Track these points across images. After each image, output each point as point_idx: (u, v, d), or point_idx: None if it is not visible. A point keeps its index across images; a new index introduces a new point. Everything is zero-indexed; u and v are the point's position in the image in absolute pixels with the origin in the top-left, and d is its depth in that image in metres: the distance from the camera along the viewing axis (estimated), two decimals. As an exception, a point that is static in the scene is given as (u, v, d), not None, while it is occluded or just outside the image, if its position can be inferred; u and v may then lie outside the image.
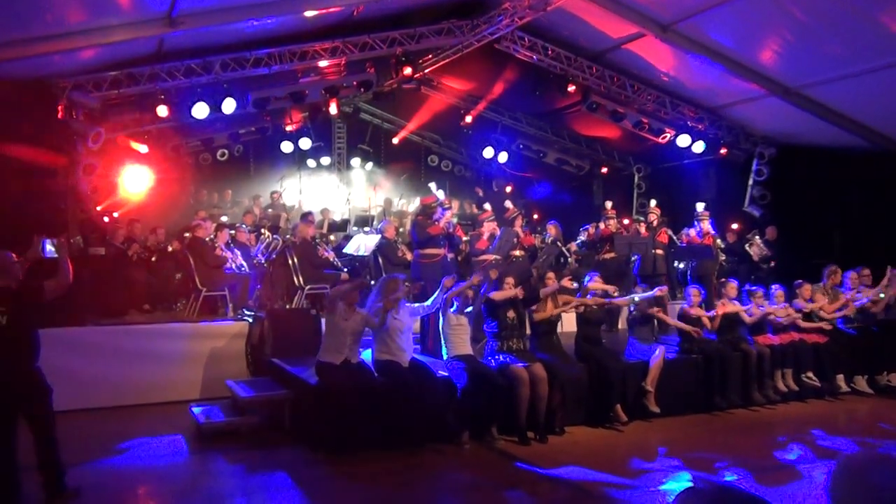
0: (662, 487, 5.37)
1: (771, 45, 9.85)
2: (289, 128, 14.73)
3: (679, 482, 5.50)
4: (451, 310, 6.83)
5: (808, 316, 8.86)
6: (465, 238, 10.36)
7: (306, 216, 11.98)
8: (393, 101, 14.46)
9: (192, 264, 9.55)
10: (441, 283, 6.87)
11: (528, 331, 7.30)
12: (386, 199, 15.89)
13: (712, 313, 8.13)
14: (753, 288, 8.71)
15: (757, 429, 7.17)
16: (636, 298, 7.76)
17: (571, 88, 12.30)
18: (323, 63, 11.09)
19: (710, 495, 1.43)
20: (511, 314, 6.98)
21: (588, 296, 7.49)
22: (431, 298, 6.88)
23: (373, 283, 8.23)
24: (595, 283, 7.63)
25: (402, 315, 6.63)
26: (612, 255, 10.69)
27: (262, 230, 11.42)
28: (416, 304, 6.98)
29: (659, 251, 10.67)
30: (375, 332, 6.62)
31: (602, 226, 11.27)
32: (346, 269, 10.65)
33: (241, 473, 5.83)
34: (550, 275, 7.59)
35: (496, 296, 6.88)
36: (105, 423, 7.20)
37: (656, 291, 7.79)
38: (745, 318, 8.31)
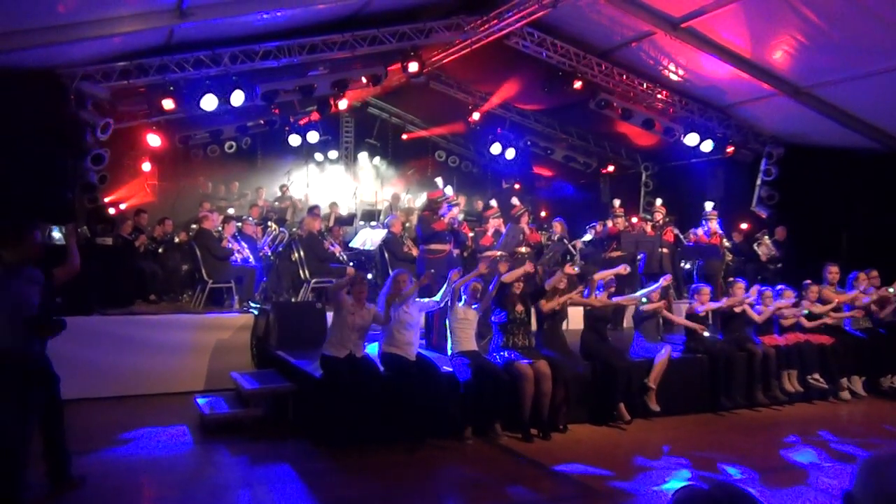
0: (665, 486, 5.36)
1: (781, 44, 9.80)
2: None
3: (679, 481, 5.50)
4: (459, 303, 6.84)
5: (815, 317, 8.82)
6: (470, 234, 10.35)
7: (313, 210, 12.00)
8: (401, 96, 14.44)
9: (199, 256, 9.58)
10: (448, 277, 6.88)
11: (534, 327, 7.29)
12: (393, 193, 15.91)
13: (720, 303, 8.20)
14: (763, 289, 8.67)
15: (761, 429, 7.15)
16: (643, 299, 7.75)
17: (577, 85, 12.27)
18: (332, 56, 11.06)
19: (704, 493, 1.44)
20: (520, 308, 6.97)
21: (597, 289, 7.48)
22: (440, 293, 6.88)
23: (370, 276, 8.18)
24: (601, 273, 7.65)
25: (411, 309, 6.63)
26: (619, 253, 10.66)
27: (269, 223, 11.44)
28: (426, 300, 6.97)
29: (665, 250, 10.65)
30: (384, 325, 6.63)
31: (610, 224, 11.24)
32: (351, 263, 10.67)
33: (245, 465, 5.84)
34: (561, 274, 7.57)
35: (508, 277, 6.91)
36: (110, 413, 7.24)
37: (662, 282, 7.79)
38: (754, 316, 8.28)
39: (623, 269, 7.67)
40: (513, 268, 7.52)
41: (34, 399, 4.65)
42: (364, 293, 6.65)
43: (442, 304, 6.91)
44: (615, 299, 7.72)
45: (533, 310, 7.21)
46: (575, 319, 7.84)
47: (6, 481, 4.34)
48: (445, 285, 6.83)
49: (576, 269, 7.64)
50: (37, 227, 4.77)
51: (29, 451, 4.62)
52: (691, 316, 8.07)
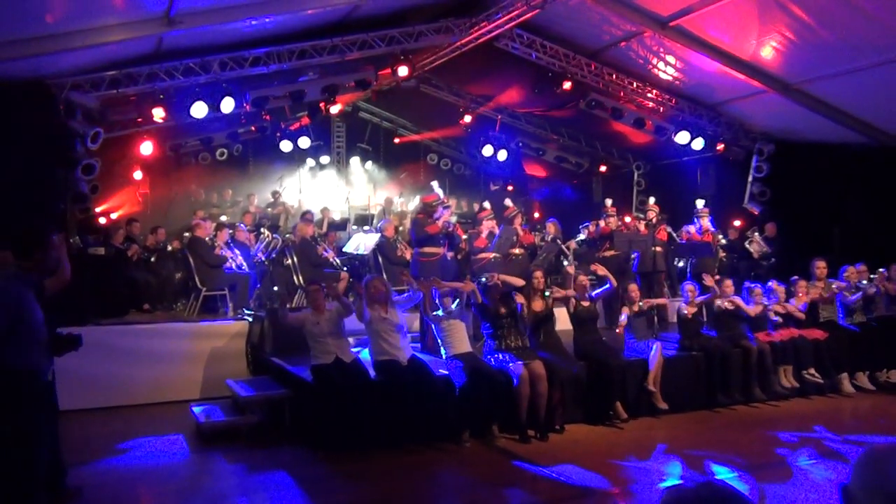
0: (662, 485, 5.36)
1: (770, 41, 9.84)
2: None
3: (676, 479, 5.50)
4: (438, 313, 6.86)
5: (813, 315, 8.85)
6: (464, 237, 10.36)
7: (305, 215, 11.98)
8: (392, 100, 14.43)
9: (192, 264, 9.56)
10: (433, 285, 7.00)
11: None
12: (386, 197, 15.89)
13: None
14: (752, 285, 8.70)
15: (758, 426, 7.16)
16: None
17: (567, 85, 12.29)
18: (321, 61, 11.06)
19: (691, 493, 1.45)
20: (503, 311, 6.96)
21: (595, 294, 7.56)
22: (407, 292, 7.03)
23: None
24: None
25: (391, 314, 6.65)
26: (613, 252, 10.69)
27: (262, 229, 11.42)
28: (404, 295, 7.04)
29: (658, 248, 10.68)
30: (369, 335, 6.65)
31: (602, 223, 11.26)
32: (345, 268, 10.65)
33: (242, 473, 5.83)
34: (538, 273, 7.58)
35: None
36: (105, 423, 7.21)
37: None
38: (748, 309, 8.31)
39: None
40: (506, 270, 7.59)
41: (52, 416, 4.61)
42: (319, 299, 6.73)
43: (417, 298, 7.01)
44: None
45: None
46: (562, 319, 7.82)
47: (31, 498, 4.29)
48: (413, 289, 6.99)
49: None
50: (56, 234, 4.63)
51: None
52: (682, 318, 8.10)
